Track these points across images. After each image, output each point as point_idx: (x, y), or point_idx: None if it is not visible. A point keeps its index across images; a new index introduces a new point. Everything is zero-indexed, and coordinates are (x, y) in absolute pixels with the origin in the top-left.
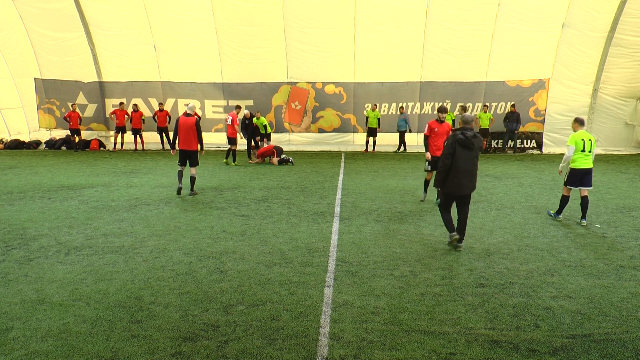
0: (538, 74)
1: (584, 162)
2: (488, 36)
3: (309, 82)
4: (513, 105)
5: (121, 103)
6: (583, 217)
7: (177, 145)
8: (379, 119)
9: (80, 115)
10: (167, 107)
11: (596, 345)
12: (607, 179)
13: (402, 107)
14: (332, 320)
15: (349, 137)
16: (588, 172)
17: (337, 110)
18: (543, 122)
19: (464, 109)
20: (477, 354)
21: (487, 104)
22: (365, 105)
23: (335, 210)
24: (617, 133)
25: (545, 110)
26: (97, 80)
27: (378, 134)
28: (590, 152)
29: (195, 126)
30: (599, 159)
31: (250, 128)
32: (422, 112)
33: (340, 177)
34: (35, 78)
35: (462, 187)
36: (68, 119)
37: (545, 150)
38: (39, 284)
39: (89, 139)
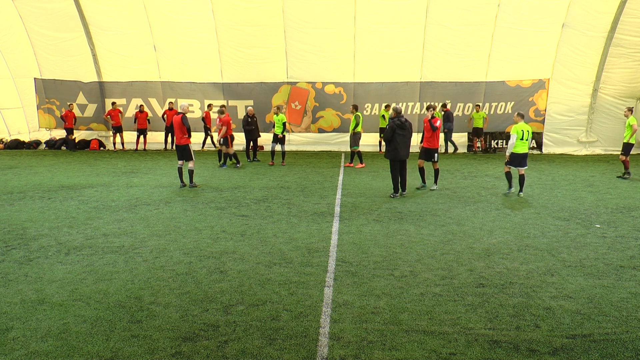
0: (538, 74)
1: (521, 148)
2: (488, 36)
3: (309, 82)
4: (444, 105)
5: (113, 103)
6: (520, 190)
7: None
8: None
9: (76, 115)
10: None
11: (596, 345)
12: (607, 179)
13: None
14: (332, 320)
15: (349, 137)
16: (524, 156)
17: (337, 110)
18: (543, 122)
19: (478, 107)
20: (477, 354)
21: (479, 103)
22: (382, 105)
23: (335, 210)
24: (617, 133)
25: (545, 110)
26: (97, 80)
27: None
28: (526, 140)
29: (181, 122)
30: (599, 159)
31: (252, 127)
32: (422, 112)
33: (340, 177)
34: (35, 78)
35: (400, 154)
36: (64, 118)
37: (545, 150)
38: (39, 284)
39: (89, 139)
